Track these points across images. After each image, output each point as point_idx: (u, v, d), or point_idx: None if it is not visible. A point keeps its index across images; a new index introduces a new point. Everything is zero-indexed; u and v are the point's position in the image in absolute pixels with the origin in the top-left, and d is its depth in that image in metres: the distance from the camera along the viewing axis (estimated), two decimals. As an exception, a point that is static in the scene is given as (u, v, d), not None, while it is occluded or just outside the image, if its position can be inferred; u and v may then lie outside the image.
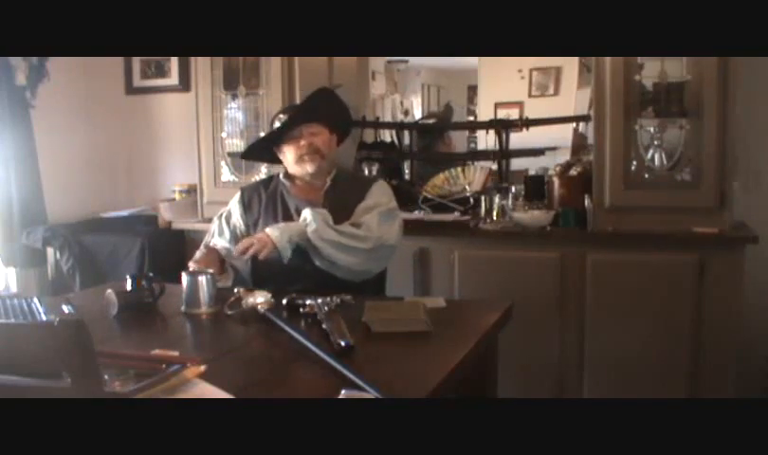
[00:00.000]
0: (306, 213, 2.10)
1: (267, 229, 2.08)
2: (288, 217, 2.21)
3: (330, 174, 2.29)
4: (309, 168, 2.22)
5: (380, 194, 2.27)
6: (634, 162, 2.74)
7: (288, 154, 2.25)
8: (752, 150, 2.96)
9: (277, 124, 2.29)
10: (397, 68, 5.65)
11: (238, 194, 2.37)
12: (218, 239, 2.32)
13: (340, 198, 2.23)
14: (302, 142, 2.22)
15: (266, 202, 2.29)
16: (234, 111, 3.37)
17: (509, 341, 1.99)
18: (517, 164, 3.65)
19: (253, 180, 2.91)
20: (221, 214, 2.36)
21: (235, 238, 2.26)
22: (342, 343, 1.49)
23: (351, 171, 3.13)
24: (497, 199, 3.03)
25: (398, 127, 4.19)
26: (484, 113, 4.57)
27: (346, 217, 2.17)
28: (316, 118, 2.24)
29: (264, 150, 2.38)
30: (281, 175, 2.34)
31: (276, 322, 1.70)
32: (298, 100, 3.15)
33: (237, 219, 2.32)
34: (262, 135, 2.88)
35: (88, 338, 1.07)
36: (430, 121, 4.89)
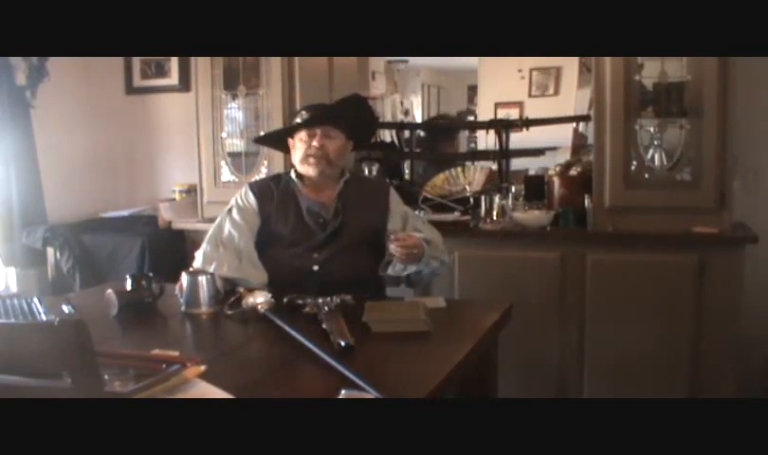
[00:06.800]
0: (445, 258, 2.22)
1: (421, 239, 2.09)
2: (300, 217, 2.18)
3: (343, 177, 2.27)
4: (312, 170, 2.19)
5: (400, 201, 2.33)
6: (634, 162, 2.74)
7: (297, 151, 2.22)
8: (752, 150, 2.95)
9: (298, 120, 2.26)
10: (397, 68, 5.66)
11: (246, 189, 2.27)
12: (234, 233, 2.17)
13: (353, 201, 2.22)
14: (314, 143, 2.17)
15: (279, 199, 2.23)
16: (234, 111, 3.36)
17: (509, 341, 1.99)
18: (517, 164, 3.66)
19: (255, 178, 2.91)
20: (229, 209, 2.24)
21: (252, 233, 2.18)
22: (342, 343, 1.49)
23: (356, 172, 3.13)
24: (497, 199, 3.03)
25: (399, 127, 4.19)
26: (484, 113, 4.58)
27: (357, 220, 2.18)
28: (338, 124, 2.21)
29: (278, 139, 2.40)
30: (291, 174, 2.28)
31: (276, 322, 1.70)
32: (298, 100, 3.15)
33: (254, 213, 2.21)
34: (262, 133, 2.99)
35: (88, 338, 1.07)
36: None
